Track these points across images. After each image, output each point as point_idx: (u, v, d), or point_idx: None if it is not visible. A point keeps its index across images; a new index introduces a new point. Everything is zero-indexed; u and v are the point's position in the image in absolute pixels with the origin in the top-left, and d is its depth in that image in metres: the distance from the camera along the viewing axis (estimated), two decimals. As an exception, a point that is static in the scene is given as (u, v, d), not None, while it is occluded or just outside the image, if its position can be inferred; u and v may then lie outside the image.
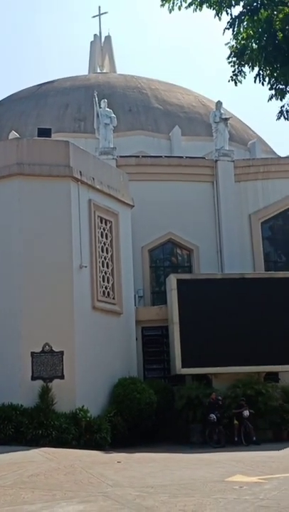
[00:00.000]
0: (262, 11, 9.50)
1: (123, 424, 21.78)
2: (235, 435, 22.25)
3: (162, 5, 10.16)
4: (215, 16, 9.89)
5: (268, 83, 10.53)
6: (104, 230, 24.69)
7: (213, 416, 21.91)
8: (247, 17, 9.64)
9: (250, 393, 23.23)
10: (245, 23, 9.75)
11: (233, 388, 23.74)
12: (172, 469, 15.32)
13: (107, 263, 24.60)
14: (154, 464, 16.33)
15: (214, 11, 9.84)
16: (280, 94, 10.62)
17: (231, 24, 9.83)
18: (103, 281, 24.17)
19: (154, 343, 26.23)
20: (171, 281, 25.33)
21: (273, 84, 10.55)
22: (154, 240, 29.60)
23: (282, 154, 38.23)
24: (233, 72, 10.68)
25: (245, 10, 9.65)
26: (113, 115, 31.41)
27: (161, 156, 32.07)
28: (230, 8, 9.82)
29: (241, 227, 30.71)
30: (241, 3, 9.72)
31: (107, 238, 24.78)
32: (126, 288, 25.42)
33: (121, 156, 30.33)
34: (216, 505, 10.44)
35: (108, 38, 49.92)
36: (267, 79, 10.47)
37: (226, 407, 22.73)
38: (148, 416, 22.39)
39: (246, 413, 22.24)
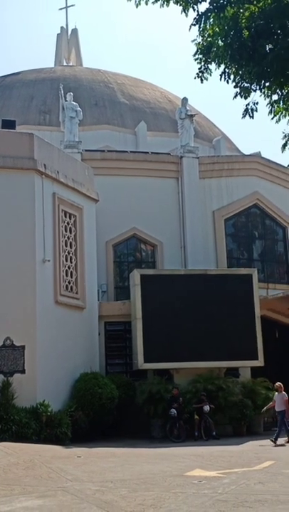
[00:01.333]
0: (228, 8, 9.54)
1: (84, 418, 21.74)
2: (196, 430, 22.41)
3: (129, -1, 10.12)
4: (182, 12, 9.89)
5: (233, 81, 10.59)
6: (68, 224, 24.56)
7: (173, 411, 22.04)
8: (213, 14, 9.67)
9: (210, 388, 23.44)
10: (211, 20, 9.78)
11: (194, 383, 23.92)
12: (132, 464, 15.38)
13: (71, 257, 24.47)
14: (114, 459, 16.36)
15: (181, 7, 9.84)
16: (245, 93, 10.69)
17: (198, 21, 9.85)
18: (66, 275, 24.04)
19: (116, 338, 26.24)
20: (135, 276, 25.36)
21: (238, 83, 10.62)
22: (119, 235, 29.58)
23: (247, 152, 38.58)
24: (199, 69, 10.71)
25: (211, 7, 9.67)
26: (79, 109, 31.22)
27: (126, 151, 32.02)
28: (197, 5, 9.84)
29: (205, 224, 30.90)
30: (208, 0, 9.74)
31: (71, 232, 24.64)
32: (89, 283, 25.34)
33: (86, 150, 30.19)
34: (174, 499, 10.51)
35: (75, 30, 49.56)
36: (232, 77, 10.53)
37: (186, 402, 22.87)
38: (109, 411, 22.40)
39: (207, 408, 22.42)
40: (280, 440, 19.66)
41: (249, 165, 33.33)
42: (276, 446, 19.22)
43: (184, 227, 30.44)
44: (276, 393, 20.91)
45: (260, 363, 25.28)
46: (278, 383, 21.12)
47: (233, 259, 31.83)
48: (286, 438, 19.86)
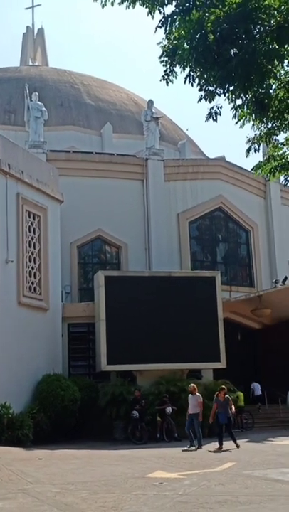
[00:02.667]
0: (194, 11, 9.56)
1: (46, 420, 21.60)
2: (158, 432, 22.43)
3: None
4: (148, 14, 9.89)
5: (198, 84, 10.62)
6: (32, 224, 24.38)
7: (135, 413, 22.04)
8: (179, 17, 9.68)
9: (173, 390, 23.51)
10: (177, 23, 9.79)
11: (156, 385, 23.97)
12: (94, 466, 15.32)
13: (35, 258, 24.30)
14: (76, 461, 16.27)
15: (147, 9, 9.84)
16: (209, 96, 10.73)
17: (163, 23, 9.85)
18: (30, 276, 23.86)
19: (80, 339, 26.13)
20: (99, 278, 25.30)
21: (203, 86, 10.64)
22: (83, 237, 29.52)
23: (211, 156, 38.88)
24: (164, 71, 10.72)
25: (177, 10, 9.68)
26: (44, 109, 31.06)
27: (92, 152, 31.98)
28: (163, 7, 9.84)
29: (170, 226, 31.04)
30: (174, 3, 9.74)
31: (34, 233, 24.47)
32: (53, 284, 25.19)
33: (51, 151, 30.05)
34: (136, 501, 10.50)
35: (41, 30, 49.31)
36: (197, 80, 10.56)
37: (149, 404, 22.88)
38: (72, 413, 22.29)
39: (169, 410, 22.47)
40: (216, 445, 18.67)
41: (213, 168, 33.61)
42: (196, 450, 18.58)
43: (148, 229, 30.53)
44: (190, 395, 19.80)
45: (222, 364, 25.47)
46: (192, 385, 20.22)
47: (197, 261, 32.04)
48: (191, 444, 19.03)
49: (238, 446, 18.55)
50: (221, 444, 18.41)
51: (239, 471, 13.73)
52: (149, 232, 30.56)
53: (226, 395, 19.23)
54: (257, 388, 28.48)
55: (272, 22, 9.80)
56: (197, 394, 19.74)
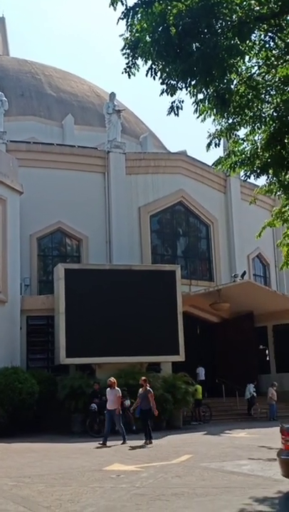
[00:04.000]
0: (156, 4, 9.54)
1: (3, 414, 21.40)
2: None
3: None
4: (110, 6, 9.83)
5: (160, 78, 10.61)
6: (-9, 215, 24.06)
7: (94, 406, 21.99)
8: (141, 9, 9.65)
9: (132, 383, 23.48)
10: (139, 15, 9.76)
11: (115, 378, 23.90)
12: (51, 459, 15.27)
13: (-7, 250, 23.99)
14: (33, 454, 16.19)
15: (109, 0, 9.78)
16: (171, 90, 10.73)
17: (125, 15, 9.80)
18: (-12, 268, 23.56)
19: (39, 332, 25.91)
20: (59, 270, 25.11)
21: (165, 79, 10.64)
22: (43, 229, 29.27)
23: (173, 150, 38.97)
24: (126, 64, 10.67)
25: (139, 2, 9.65)
26: (4, 98, 30.64)
27: (52, 144, 31.71)
28: (125, -1, 9.79)
29: (131, 220, 31.02)
30: (136, -5, 9.72)
31: (-7, 224, 24.15)
32: (12, 276, 24.92)
33: (11, 141, 29.67)
34: (92, 494, 10.50)
35: (2, 19, 48.67)
36: (159, 73, 10.54)
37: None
38: (29, 406, 22.12)
39: (127, 403, 22.47)
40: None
41: (175, 163, 33.68)
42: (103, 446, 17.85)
43: (109, 222, 30.45)
44: (108, 389, 18.95)
45: (181, 358, 25.61)
46: (111, 378, 19.30)
47: (158, 255, 32.12)
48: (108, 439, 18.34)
49: (123, 443, 18.03)
50: (146, 437, 18.17)
51: (196, 464, 13.87)
52: (110, 225, 30.48)
53: (148, 387, 18.84)
54: (201, 373, 28.62)
55: (234, 17, 9.86)
56: (116, 388, 18.93)
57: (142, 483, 11.44)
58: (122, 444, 18.16)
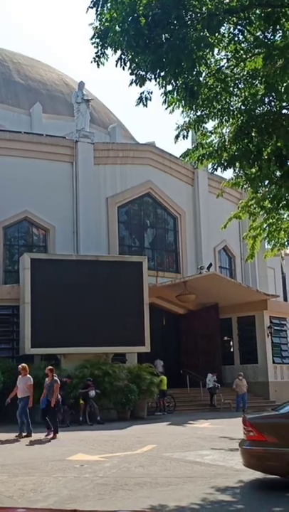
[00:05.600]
0: (126, -6, 9.50)
1: None
2: (81, 415, 22.47)
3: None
4: (79, -6, 9.75)
5: (129, 68, 10.58)
6: None
7: (58, 396, 21.91)
8: (111, -2, 9.61)
9: (97, 373, 23.57)
10: (109, 4, 9.71)
11: (81, 368, 23.95)
12: (14, 449, 15.21)
13: None
14: (-4, 444, 16.08)
15: (79, -12, 9.71)
16: (140, 81, 10.70)
17: (95, 4, 9.75)
18: None
19: (4, 322, 25.72)
20: (25, 260, 24.94)
21: (134, 70, 10.61)
22: (10, 218, 28.97)
23: (141, 141, 38.92)
24: (96, 53, 10.61)
25: (109, -9, 9.60)
26: (-29, 85, 30.18)
27: (20, 132, 31.34)
28: (95, -13, 9.72)
29: (98, 210, 30.92)
30: (106, -16, 9.66)
31: None
32: (-23, 265, 24.65)
33: (-22, 129, 29.28)
34: (55, 483, 10.50)
35: (-29, 3, 47.79)
36: (128, 64, 10.51)
37: (72, 387, 22.85)
38: (-7, 396, 21.92)
39: (92, 393, 22.52)
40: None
41: (143, 154, 33.65)
42: (22, 438, 17.22)
43: (77, 213, 30.31)
44: (19, 377, 18.22)
45: (146, 348, 25.71)
46: (22, 365, 18.60)
47: (125, 246, 32.10)
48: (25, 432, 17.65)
49: (28, 436, 17.31)
50: (49, 429, 17.45)
51: (159, 454, 13.96)
52: (78, 215, 30.34)
53: (55, 377, 18.06)
54: (159, 365, 28.71)
55: (203, 9, 9.87)
56: (27, 376, 18.10)
57: (105, 472, 11.48)
58: (26, 436, 17.36)
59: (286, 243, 18.54)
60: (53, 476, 11.14)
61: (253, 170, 13.32)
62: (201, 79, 11.00)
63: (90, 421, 22.24)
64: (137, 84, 10.79)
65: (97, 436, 17.76)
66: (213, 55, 11.09)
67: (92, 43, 10.50)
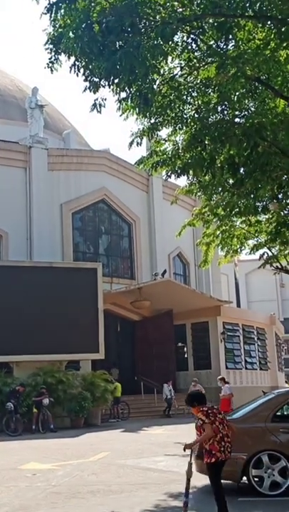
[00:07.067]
0: (79, 0, 9.49)
1: None
2: (34, 423, 22.20)
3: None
4: (33, -1, 9.69)
5: (83, 74, 10.56)
6: None
7: (10, 404, 21.65)
8: (65, 5, 9.57)
9: (50, 381, 23.36)
10: (62, 10, 9.68)
11: (33, 376, 23.69)
12: None
13: None
14: None
15: (33, -7, 9.64)
16: (94, 87, 10.69)
17: (49, 10, 9.70)
18: None
19: None
20: (-23, 266, 24.55)
21: (88, 76, 10.60)
22: None
23: (96, 148, 38.87)
24: (49, 59, 10.56)
25: (63, -3, 9.57)
26: None
27: (-28, 137, 30.95)
28: (49, -8, 9.67)
29: (52, 216, 30.73)
30: (60, -11, 9.61)
31: None
32: None
33: None
34: (7, 493, 10.35)
35: None
36: (82, 70, 10.49)
37: (25, 396, 22.58)
38: None
39: (46, 401, 22.29)
40: None
41: (98, 160, 33.64)
42: None
43: (30, 219, 30.06)
44: None
45: (100, 355, 25.61)
46: None
47: (80, 252, 32.00)
48: None
49: None
50: None
51: (112, 461, 13.91)
52: (31, 221, 30.08)
53: None
54: (115, 373, 28.61)
55: (157, 17, 9.93)
56: None
57: (57, 481, 11.38)
58: None
59: (239, 250, 18.81)
60: (4, 486, 10.97)
61: (207, 177, 13.46)
62: (154, 86, 11.06)
63: (42, 429, 22.00)
64: (90, 91, 10.78)
65: (50, 445, 17.60)
66: (166, 63, 11.16)
67: (46, 49, 10.45)
